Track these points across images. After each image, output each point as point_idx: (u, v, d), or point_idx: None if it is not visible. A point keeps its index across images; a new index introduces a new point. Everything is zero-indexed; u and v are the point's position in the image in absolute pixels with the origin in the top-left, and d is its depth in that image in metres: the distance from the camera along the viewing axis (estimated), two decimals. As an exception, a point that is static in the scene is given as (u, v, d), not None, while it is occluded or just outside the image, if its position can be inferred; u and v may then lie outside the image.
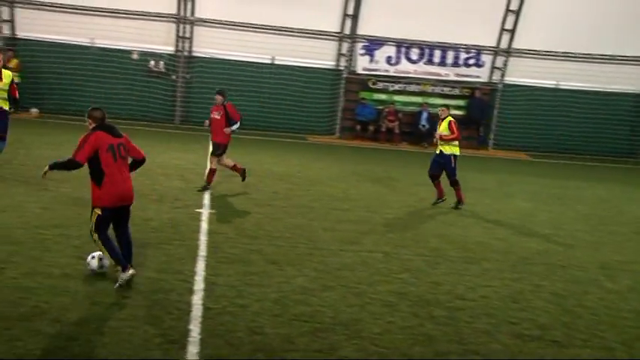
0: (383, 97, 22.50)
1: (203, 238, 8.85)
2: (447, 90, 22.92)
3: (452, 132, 12.19)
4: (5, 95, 11.48)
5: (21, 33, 20.25)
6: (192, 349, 5.58)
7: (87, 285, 6.79)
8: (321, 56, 21.65)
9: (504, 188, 15.40)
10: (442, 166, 12.37)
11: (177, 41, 21.34)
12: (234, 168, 12.41)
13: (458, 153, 12.41)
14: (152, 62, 21.30)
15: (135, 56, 21.12)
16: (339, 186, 13.70)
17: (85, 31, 20.09)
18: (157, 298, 6.59)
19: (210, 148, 12.27)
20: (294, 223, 10.17)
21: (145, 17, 20.54)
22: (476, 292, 7.65)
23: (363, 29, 22.07)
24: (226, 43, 20.52)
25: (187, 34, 21.36)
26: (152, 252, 8.04)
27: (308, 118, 22.21)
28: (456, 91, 22.99)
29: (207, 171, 12.19)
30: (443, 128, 12.31)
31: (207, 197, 11.40)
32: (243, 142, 18.94)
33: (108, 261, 6.91)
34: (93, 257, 7.05)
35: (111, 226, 6.98)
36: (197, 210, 10.41)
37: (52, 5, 19.93)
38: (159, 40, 20.90)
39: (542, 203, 13.88)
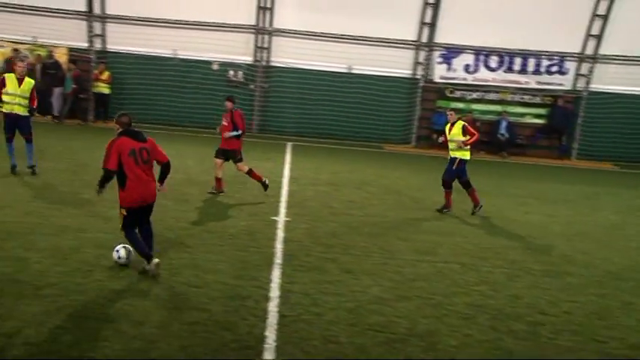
0: (460, 105, 22.08)
1: (279, 246, 8.95)
2: (526, 98, 22.27)
3: (471, 135, 11.78)
4: (25, 102, 12.08)
5: (111, 46, 21.20)
6: (268, 356, 5.64)
7: (167, 290, 6.99)
8: (397, 65, 21.52)
9: (589, 200, 14.77)
10: (455, 171, 11.93)
11: (255, 51, 21.76)
12: (250, 173, 12.10)
13: (468, 158, 12.00)
14: (231, 72, 21.80)
15: (215, 67, 21.69)
16: (415, 195, 13.55)
17: (169, 43, 20.81)
18: (234, 304, 6.70)
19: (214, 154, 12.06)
20: (370, 232, 10.12)
21: (224, 29, 21.06)
22: (558, 307, 7.36)
23: (440, 37, 21.79)
24: (303, 53, 20.74)
25: (265, 45, 21.74)
26: (229, 259, 8.19)
27: (384, 127, 22.10)
28: (537, 100, 22.29)
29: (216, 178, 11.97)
30: (456, 133, 11.92)
31: (283, 205, 11.53)
32: (319, 150, 19.10)
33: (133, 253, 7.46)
34: (118, 250, 7.54)
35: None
36: (273, 218, 10.54)
37: (138, 19, 20.77)
38: (238, 50, 21.36)
39: (632, 216, 13.23)
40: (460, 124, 11.94)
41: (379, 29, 21.06)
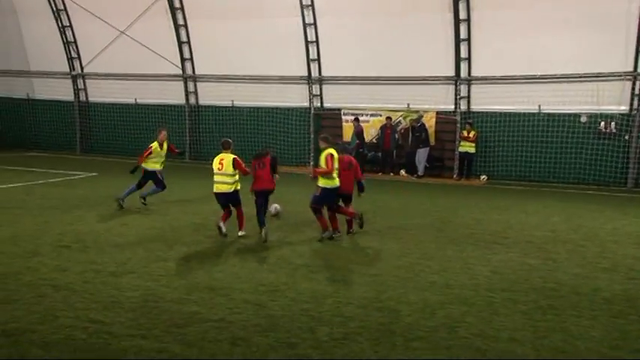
0: None
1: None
2: None
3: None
4: (162, 160, 15.11)
5: (475, 107, 21.91)
6: None
7: (534, 352, 6.66)
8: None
9: None
10: None
11: (631, 100, 19.94)
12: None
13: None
14: (602, 123, 20.36)
15: (584, 119, 20.56)
16: None
17: (532, 99, 20.59)
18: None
19: None
20: None
21: (595, 79, 19.89)
22: None
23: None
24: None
25: (641, 91, 19.80)
26: (604, 326, 7.45)
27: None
28: None
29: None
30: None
31: None
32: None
33: None
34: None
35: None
36: None
37: (501, 78, 21.03)
38: (609, 100, 19.92)
39: None
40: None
41: None
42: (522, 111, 21.05)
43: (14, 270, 9.32)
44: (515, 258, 10.74)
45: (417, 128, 21.32)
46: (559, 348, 6.76)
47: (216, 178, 12.03)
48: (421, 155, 21.49)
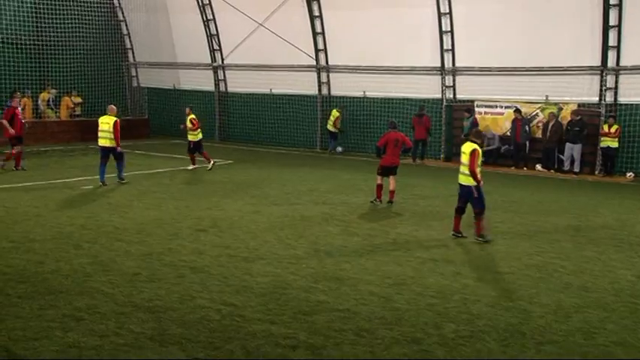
0: None
1: None
2: None
3: None
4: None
5: (623, 99, 20.39)
6: None
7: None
8: None
9: None
10: None
11: None
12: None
13: None
14: None
15: None
16: None
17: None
18: None
19: None
20: None
21: None
22: None
23: None
24: None
25: None
26: None
27: None
28: None
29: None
30: None
31: None
32: None
33: None
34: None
35: None
36: None
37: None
38: None
39: None
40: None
41: None
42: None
43: (158, 250, 10.02)
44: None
45: (576, 122, 20.11)
46: None
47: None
48: (577, 151, 20.28)
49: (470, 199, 11.13)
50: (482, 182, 11.06)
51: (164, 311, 7.36)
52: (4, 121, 17.95)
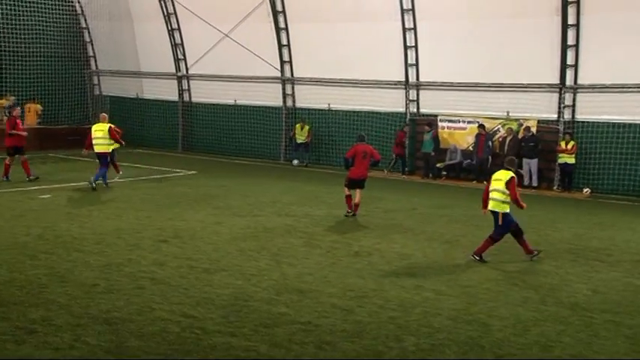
0: None
1: None
2: None
3: None
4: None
5: (580, 116, 20.85)
6: None
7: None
8: None
9: None
10: None
11: None
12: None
13: None
14: None
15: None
16: None
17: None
18: None
19: None
20: None
21: None
22: None
23: None
24: None
25: None
26: None
27: None
28: None
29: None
30: None
31: None
32: None
33: None
34: None
35: None
36: None
37: (612, 86, 19.97)
38: None
39: None
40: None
41: None
42: (633, 122, 19.83)
43: (117, 261, 9.84)
44: (619, 277, 10.16)
45: (529, 138, 20.51)
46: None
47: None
48: (534, 166, 20.66)
49: (496, 223, 11.13)
50: (525, 205, 11.22)
51: (122, 323, 7.21)
52: (14, 131, 17.95)
